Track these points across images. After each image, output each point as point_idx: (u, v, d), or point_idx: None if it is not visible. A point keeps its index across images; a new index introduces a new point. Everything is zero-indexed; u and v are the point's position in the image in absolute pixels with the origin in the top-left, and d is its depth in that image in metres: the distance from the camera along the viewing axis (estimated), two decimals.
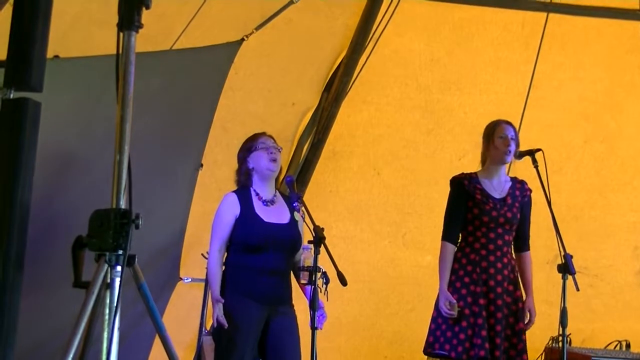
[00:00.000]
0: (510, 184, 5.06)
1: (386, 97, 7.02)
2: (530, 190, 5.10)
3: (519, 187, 5.08)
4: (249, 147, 4.77)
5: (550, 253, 6.42)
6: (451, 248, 4.93)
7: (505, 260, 4.91)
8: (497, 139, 4.96)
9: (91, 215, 2.65)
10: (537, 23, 6.81)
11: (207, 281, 5.81)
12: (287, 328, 4.66)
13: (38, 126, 2.67)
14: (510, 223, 4.95)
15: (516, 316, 4.89)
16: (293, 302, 4.76)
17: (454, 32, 6.84)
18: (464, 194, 4.95)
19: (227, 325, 4.46)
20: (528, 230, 5.10)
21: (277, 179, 4.88)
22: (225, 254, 4.72)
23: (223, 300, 4.50)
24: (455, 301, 4.78)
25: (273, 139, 4.83)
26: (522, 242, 5.08)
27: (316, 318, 4.35)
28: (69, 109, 4.72)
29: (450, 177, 5.09)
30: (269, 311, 4.60)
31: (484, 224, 4.90)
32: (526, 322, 4.91)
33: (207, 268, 4.71)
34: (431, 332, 4.92)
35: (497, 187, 5.01)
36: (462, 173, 5.06)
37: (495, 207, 4.93)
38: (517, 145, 5.00)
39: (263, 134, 4.83)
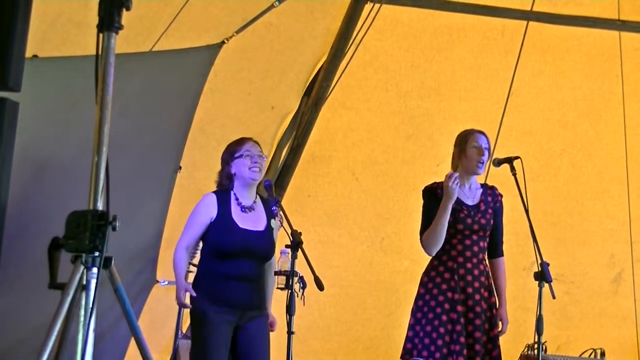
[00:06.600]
0: (481, 190, 5.07)
1: (366, 102, 7.03)
2: (501, 196, 5.11)
3: (490, 193, 5.08)
4: (233, 151, 4.71)
5: (526, 260, 6.46)
6: None
7: (482, 267, 4.92)
8: (470, 148, 4.94)
9: (68, 216, 2.63)
10: (517, 31, 6.84)
11: None
12: (256, 333, 4.67)
13: (16, 126, 2.64)
14: (484, 230, 4.95)
15: (491, 322, 4.90)
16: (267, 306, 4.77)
17: (434, 39, 6.86)
18: (439, 202, 4.93)
19: (189, 306, 4.54)
20: (501, 235, 5.10)
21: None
22: (199, 257, 4.73)
23: (193, 292, 4.53)
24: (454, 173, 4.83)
25: (259, 145, 4.79)
26: (495, 248, 5.07)
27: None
28: (47, 109, 4.70)
29: (423, 188, 5.09)
30: (239, 316, 4.60)
31: (459, 231, 4.90)
32: (498, 330, 4.93)
33: (173, 261, 4.64)
34: (409, 338, 4.89)
35: (469, 194, 5.01)
36: (434, 182, 5.03)
37: (470, 214, 4.93)
38: (490, 155, 5.02)
39: (249, 139, 4.78)
